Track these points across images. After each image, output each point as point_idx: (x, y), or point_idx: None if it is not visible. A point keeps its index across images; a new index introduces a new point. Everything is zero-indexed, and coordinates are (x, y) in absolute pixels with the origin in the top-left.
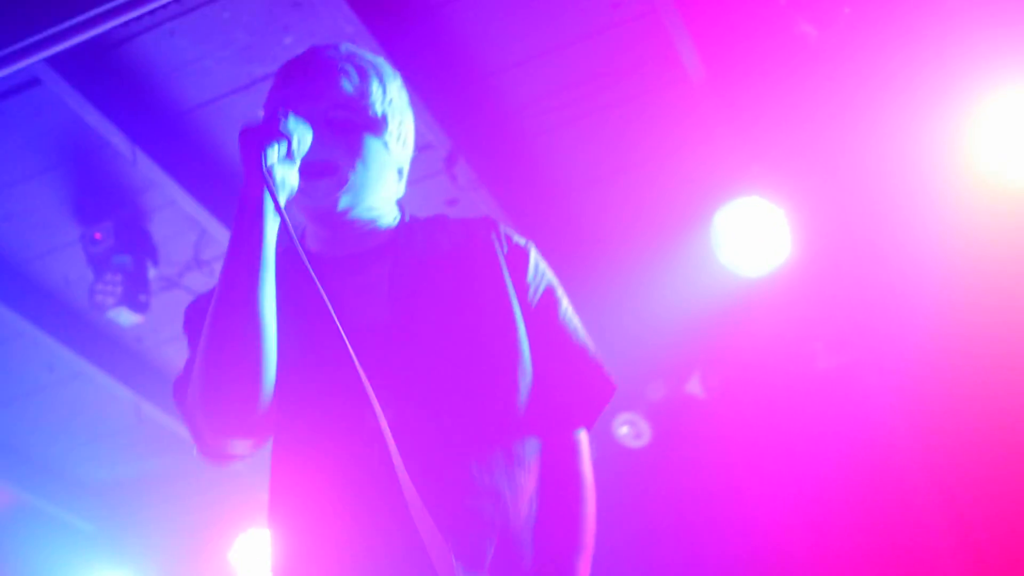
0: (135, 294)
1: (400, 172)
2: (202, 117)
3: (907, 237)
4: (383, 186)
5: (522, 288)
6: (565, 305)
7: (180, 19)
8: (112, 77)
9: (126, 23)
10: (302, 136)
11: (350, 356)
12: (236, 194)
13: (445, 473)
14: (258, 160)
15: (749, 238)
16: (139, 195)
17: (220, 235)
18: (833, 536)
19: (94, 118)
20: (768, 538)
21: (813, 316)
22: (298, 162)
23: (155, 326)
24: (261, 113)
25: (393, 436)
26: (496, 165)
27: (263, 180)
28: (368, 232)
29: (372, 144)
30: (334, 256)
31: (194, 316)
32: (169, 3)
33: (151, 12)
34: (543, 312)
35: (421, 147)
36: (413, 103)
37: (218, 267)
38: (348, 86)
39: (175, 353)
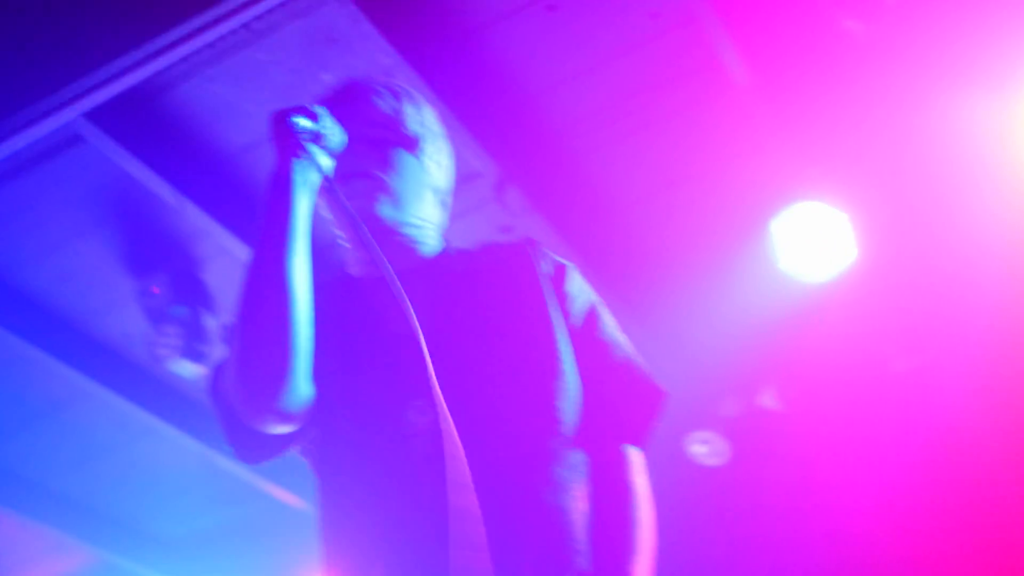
0: (195, 345)
1: (437, 194)
2: (246, 161)
3: (974, 232)
4: (421, 203)
5: (564, 307)
6: (609, 321)
7: (217, 64)
8: (153, 128)
9: (163, 72)
10: (332, 125)
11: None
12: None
13: (495, 491)
14: (286, 128)
15: (810, 243)
16: (191, 245)
17: None
18: (921, 545)
19: (139, 171)
20: (854, 550)
21: (884, 319)
22: (330, 155)
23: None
24: None
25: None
26: (547, 188)
27: (292, 148)
28: (410, 251)
29: (407, 159)
30: (376, 276)
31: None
32: (203, 49)
33: (187, 60)
34: (587, 330)
35: (469, 176)
36: (457, 132)
37: None
38: (383, 105)
39: None
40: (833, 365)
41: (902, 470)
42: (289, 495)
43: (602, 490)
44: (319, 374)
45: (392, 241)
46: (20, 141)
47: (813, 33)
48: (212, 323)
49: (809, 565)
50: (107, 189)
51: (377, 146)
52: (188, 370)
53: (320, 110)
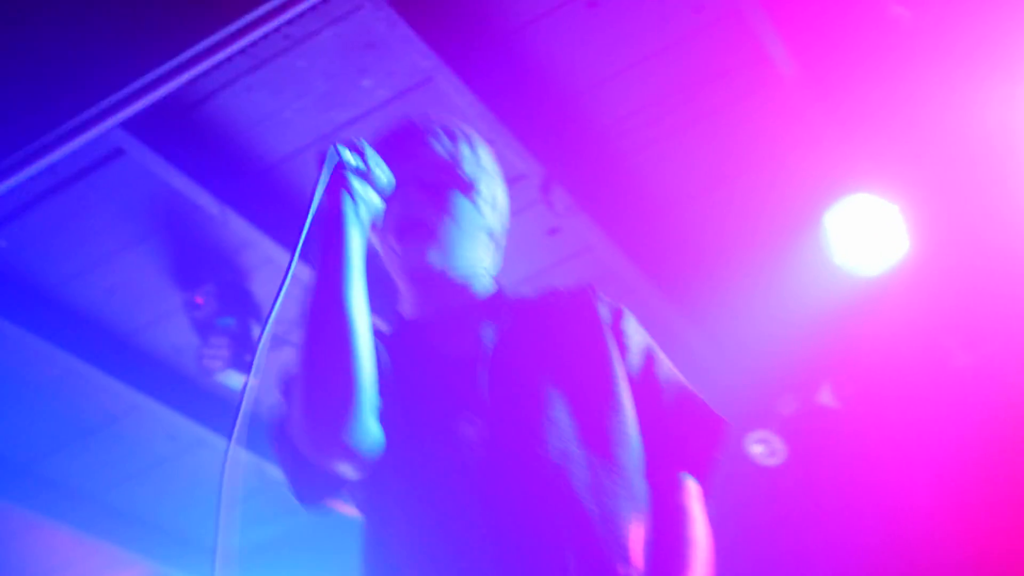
0: (243, 356)
1: (491, 236)
2: (288, 170)
3: None
4: (474, 246)
5: (622, 348)
6: (665, 361)
7: (254, 73)
8: (194, 139)
9: (201, 82)
10: (378, 163)
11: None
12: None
13: (554, 534)
14: (332, 165)
15: (863, 236)
16: (235, 255)
17: None
18: (987, 547)
19: (181, 182)
20: (917, 553)
21: (941, 311)
22: (379, 194)
23: (268, 386)
24: None
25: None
26: (593, 188)
27: (339, 184)
28: (462, 293)
29: (462, 203)
30: (428, 319)
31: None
32: (240, 57)
33: (225, 68)
34: (646, 370)
35: (515, 178)
36: (500, 134)
37: None
38: (439, 148)
39: None
40: (892, 360)
41: (967, 469)
42: (344, 505)
43: (659, 514)
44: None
45: (445, 288)
46: (61, 153)
47: (860, 21)
48: (259, 334)
49: (870, 568)
50: (150, 201)
51: (432, 190)
52: (236, 381)
53: (367, 148)
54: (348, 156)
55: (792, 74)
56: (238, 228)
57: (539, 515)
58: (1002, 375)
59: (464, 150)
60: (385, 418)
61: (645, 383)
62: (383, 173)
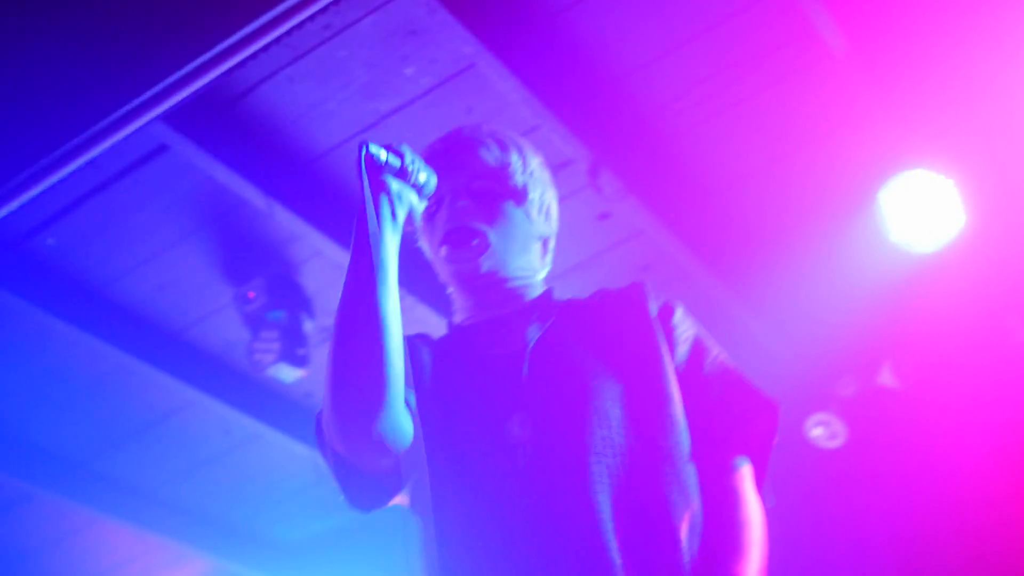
0: (293, 349)
1: (543, 243)
2: (333, 162)
3: None
4: (525, 254)
5: (671, 340)
6: (714, 348)
7: (296, 64)
8: (237, 133)
9: (243, 75)
10: (417, 163)
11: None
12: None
13: (602, 524)
14: (368, 163)
15: (919, 212)
16: (284, 249)
17: None
18: None
19: (226, 176)
20: (988, 542)
21: (1001, 287)
22: (419, 194)
23: (321, 379)
24: None
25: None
26: (642, 171)
27: (375, 184)
28: (512, 297)
29: (512, 212)
30: (478, 322)
31: None
32: (280, 47)
33: (266, 61)
34: (695, 360)
35: (562, 164)
36: (545, 119)
37: None
38: (489, 157)
39: None
40: (952, 338)
41: None
42: (403, 496)
43: (711, 498)
44: (424, 421)
45: (495, 293)
46: (103, 147)
47: None
48: (310, 326)
49: (937, 559)
50: (196, 197)
51: (483, 199)
52: (287, 374)
53: (405, 148)
54: (383, 155)
55: (842, 49)
56: (285, 221)
57: (586, 506)
58: None
59: (514, 158)
60: (435, 421)
61: (693, 371)
62: (423, 172)
